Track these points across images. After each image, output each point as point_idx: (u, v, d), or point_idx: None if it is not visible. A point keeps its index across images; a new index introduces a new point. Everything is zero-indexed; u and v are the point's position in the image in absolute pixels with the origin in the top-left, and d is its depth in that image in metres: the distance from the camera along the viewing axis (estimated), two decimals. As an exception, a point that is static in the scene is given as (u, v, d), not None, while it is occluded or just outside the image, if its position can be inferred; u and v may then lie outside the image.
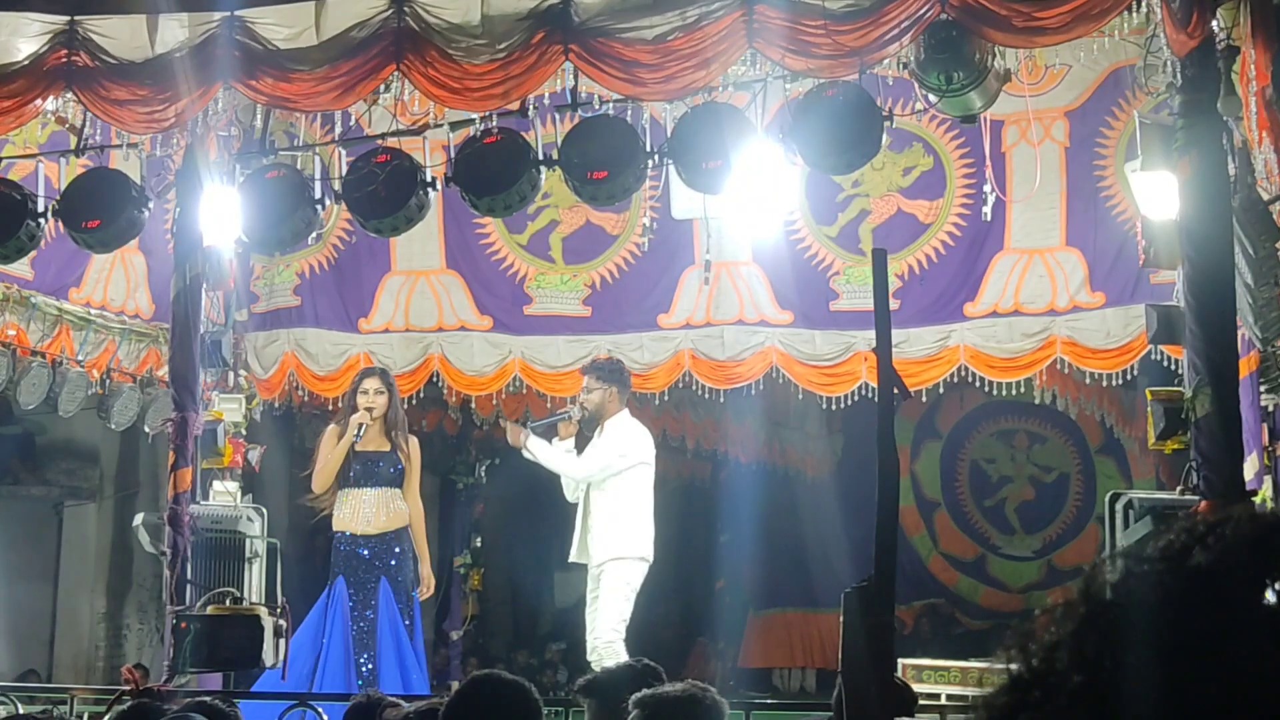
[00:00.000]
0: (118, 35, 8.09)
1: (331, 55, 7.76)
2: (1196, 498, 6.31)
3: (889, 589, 3.22)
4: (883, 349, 3.59)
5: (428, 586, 9.14)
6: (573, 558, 8.78)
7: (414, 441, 9.19)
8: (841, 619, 3.33)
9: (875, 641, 3.24)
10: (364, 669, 8.54)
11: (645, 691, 4.21)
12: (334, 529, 8.89)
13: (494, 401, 11.21)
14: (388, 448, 8.98)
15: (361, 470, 8.89)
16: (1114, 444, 13.01)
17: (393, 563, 8.81)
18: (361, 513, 8.81)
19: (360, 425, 8.82)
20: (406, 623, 8.76)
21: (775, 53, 7.31)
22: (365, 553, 8.78)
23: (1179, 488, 6.67)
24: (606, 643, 8.31)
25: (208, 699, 4.55)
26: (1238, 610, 0.90)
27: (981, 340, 9.60)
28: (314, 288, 10.62)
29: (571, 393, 9.77)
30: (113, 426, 10.79)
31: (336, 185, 8.08)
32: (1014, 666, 0.95)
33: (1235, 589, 0.90)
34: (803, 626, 14.11)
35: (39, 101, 8.17)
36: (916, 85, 7.37)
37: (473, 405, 11.51)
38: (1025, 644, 0.96)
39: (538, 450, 8.79)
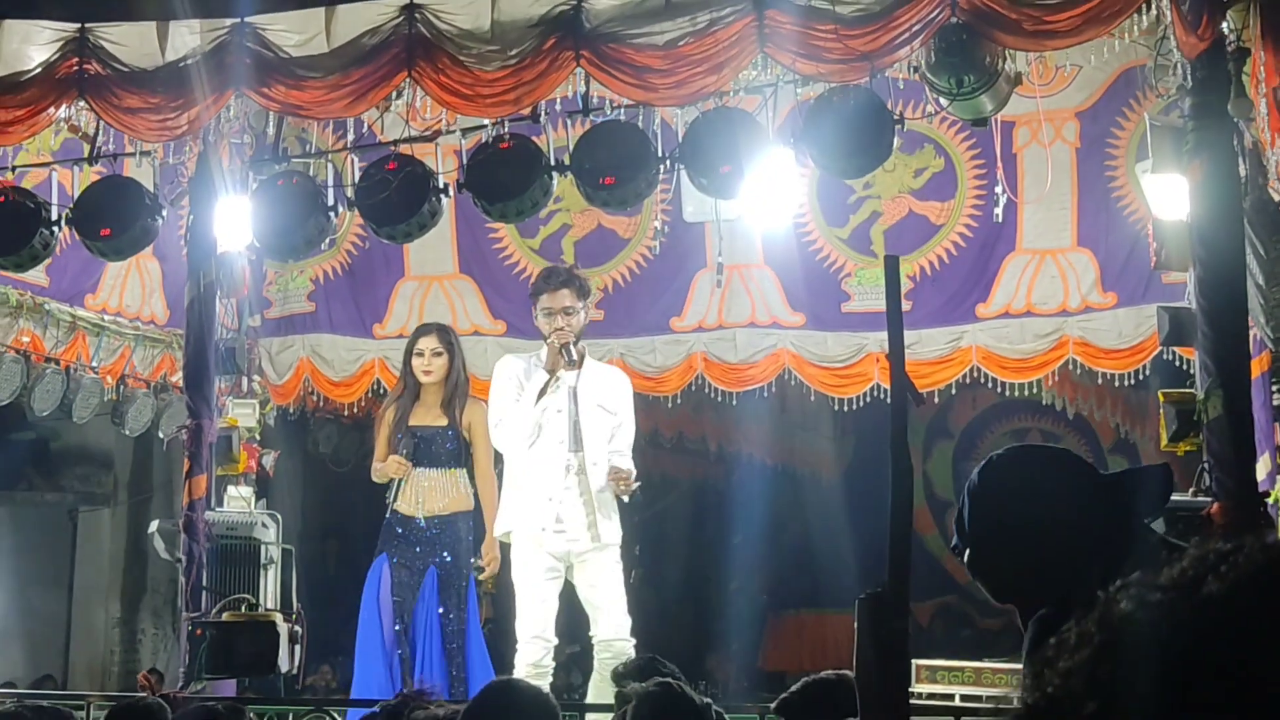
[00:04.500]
0: (128, 42, 8.10)
1: (343, 62, 7.77)
2: (1209, 499, 6.31)
3: (903, 597, 3.22)
4: (896, 356, 3.59)
5: (490, 564, 7.99)
6: (572, 535, 7.62)
7: (478, 410, 8.01)
8: (855, 626, 3.33)
9: (888, 650, 3.24)
10: (403, 663, 7.96)
11: (642, 686, 4.18)
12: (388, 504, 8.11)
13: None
14: (444, 422, 8.06)
15: (415, 447, 8.00)
16: (1127, 444, 12.99)
17: (445, 554, 7.98)
18: (414, 493, 8.01)
19: (399, 478, 7.95)
20: (452, 616, 7.92)
21: (786, 57, 7.30)
22: (414, 537, 7.98)
23: (1191, 489, 6.66)
24: (625, 637, 7.72)
25: (220, 706, 4.56)
26: (1249, 639, 0.91)
27: (993, 341, 9.60)
28: (328, 294, 10.65)
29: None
30: (127, 432, 10.83)
31: (349, 192, 8.08)
32: (1029, 695, 0.97)
33: (1247, 618, 0.92)
34: (815, 629, 14.11)
35: (51, 110, 8.17)
36: (927, 88, 7.37)
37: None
38: (1041, 671, 0.97)
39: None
